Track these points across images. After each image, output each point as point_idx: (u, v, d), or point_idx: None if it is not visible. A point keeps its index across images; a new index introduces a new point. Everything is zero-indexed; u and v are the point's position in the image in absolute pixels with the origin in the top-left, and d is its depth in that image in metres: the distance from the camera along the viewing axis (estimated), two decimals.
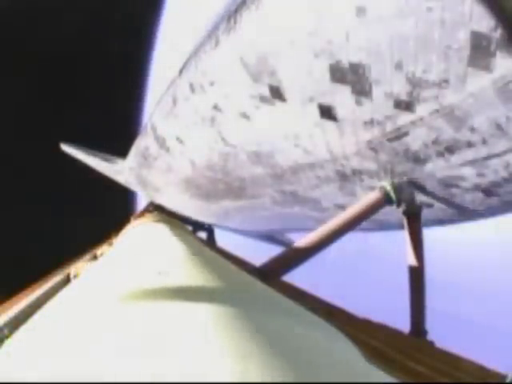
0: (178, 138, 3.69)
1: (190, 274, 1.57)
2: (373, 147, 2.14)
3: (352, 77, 1.87)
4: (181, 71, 3.40)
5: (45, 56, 8.03)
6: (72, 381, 0.69)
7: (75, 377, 0.71)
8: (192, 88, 3.01)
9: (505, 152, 1.81)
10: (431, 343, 2.29)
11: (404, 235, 2.38)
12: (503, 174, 1.93)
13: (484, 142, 1.79)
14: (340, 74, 1.89)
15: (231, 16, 2.43)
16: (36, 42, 7.63)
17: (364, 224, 2.21)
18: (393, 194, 2.15)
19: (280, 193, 3.39)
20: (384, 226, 3.31)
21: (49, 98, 8.54)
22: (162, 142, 4.03)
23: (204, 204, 5.02)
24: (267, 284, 1.67)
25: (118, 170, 6.04)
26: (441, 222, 2.84)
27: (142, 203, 6.38)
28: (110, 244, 3.15)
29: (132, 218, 5.93)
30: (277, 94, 2.24)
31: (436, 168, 2.07)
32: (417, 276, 2.34)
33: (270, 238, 6.68)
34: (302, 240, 2.01)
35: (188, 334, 0.85)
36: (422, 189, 2.20)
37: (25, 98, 8.32)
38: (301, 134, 2.42)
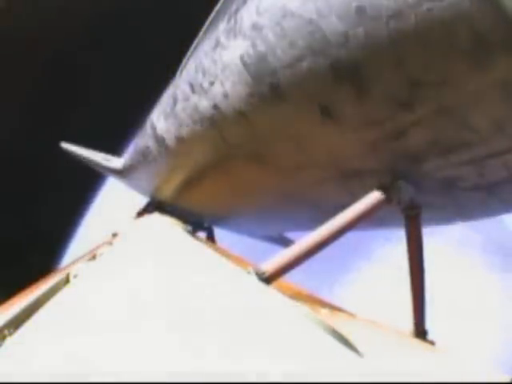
0: (177, 138, 3.69)
1: (190, 274, 1.57)
2: (373, 147, 2.14)
3: (352, 76, 1.87)
4: (181, 71, 3.40)
5: (47, 56, 8.03)
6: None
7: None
8: (192, 88, 3.01)
9: (505, 152, 1.81)
10: (431, 343, 2.29)
11: (404, 235, 2.38)
12: (503, 173, 1.93)
13: (484, 141, 1.79)
14: (340, 73, 1.89)
15: (231, 16, 2.43)
16: (38, 42, 7.63)
17: (364, 223, 2.21)
18: (393, 194, 2.15)
19: (280, 193, 3.39)
20: (383, 226, 3.31)
21: (49, 98, 8.54)
22: (161, 142, 4.03)
23: (204, 203, 5.02)
24: (267, 284, 1.67)
25: (118, 170, 6.04)
26: (441, 221, 2.84)
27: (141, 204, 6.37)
28: (110, 244, 3.15)
29: (132, 218, 5.93)
30: (277, 93, 2.24)
31: (436, 168, 2.07)
32: (417, 276, 2.34)
33: (270, 238, 6.67)
34: (302, 240, 2.00)
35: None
36: (422, 189, 2.20)
37: (25, 98, 8.31)
38: (301, 134, 2.42)
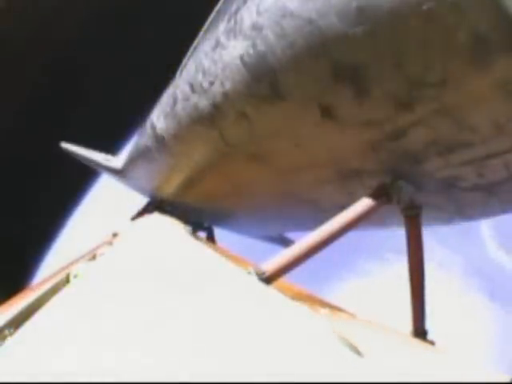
0: (177, 137, 3.69)
1: (191, 274, 1.57)
2: (373, 147, 2.14)
3: (352, 76, 1.87)
4: (181, 71, 3.40)
5: (47, 56, 8.02)
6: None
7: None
8: (192, 88, 3.01)
9: (504, 152, 1.81)
10: (431, 343, 2.29)
11: (404, 235, 2.38)
12: (503, 173, 1.93)
13: (484, 141, 1.79)
14: (340, 73, 1.89)
15: (231, 16, 2.43)
16: (37, 43, 7.63)
17: (364, 223, 2.21)
18: (393, 194, 2.15)
19: (280, 193, 3.39)
20: (383, 226, 3.31)
21: (49, 98, 8.54)
22: (161, 141, 4.03)
23: (204, 203, 5.02)
24: (267, 284, 1.67)
25: (118, 170, 6.04)
26: (440, 221, 2.84)
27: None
28: (110, 244, 3.15)
29: (131, 219, 5.93)
30: (277, 93, 2.24)
31: (436, 168, 2.07)
32: (417, 276, 2.34)
33: (270, 237, 6.67)
34: (302, 240, 2.00)
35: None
36: (422, 189, 2.20)
37: (25, 98, 8.31)
38: (301, 134, 2.42)
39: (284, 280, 2.09)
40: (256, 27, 2.15)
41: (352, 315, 2.08)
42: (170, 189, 5.03)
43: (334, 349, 0.87)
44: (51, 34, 7.80)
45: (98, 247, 3.25)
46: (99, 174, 8.73)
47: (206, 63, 2.77)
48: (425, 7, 1.49)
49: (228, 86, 2.53)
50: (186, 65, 3.31)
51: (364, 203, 2.09)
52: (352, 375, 0.77)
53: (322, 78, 1.97)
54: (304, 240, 1.99)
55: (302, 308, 1.20)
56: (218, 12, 2.77)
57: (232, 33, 2.39)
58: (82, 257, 3.06)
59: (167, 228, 3.57)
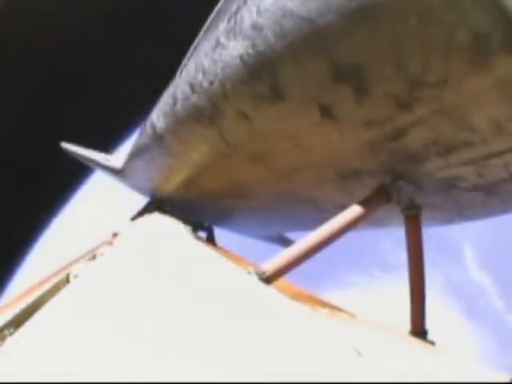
0: (177, 137, 3.69)
1: (191, 274, 1.57)
2: (373, 147, 2.14)
3: (352, 76, 1.87)
4: (181, 71, 3.40)
5: (46, 56, 8.02)
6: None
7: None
8: (192, 88, 3.01)
9: (504, 152, 1.81)
10: (431, 343, 2.29)
11: (404, 235, 2.38)
12: (503, 173, 1.93)
13: (484, 141, 1.79)
14: (340, 73, 1.89)
15: (231, 16, 2.43)
16: (37, 43, 7.63)
17: (363, 224, 2.21)
18: (392, 194, 2.15)
19: (279, 193, 3.39)
20: (383, 226, 3.31)
21: (49, 97, 8.54)
22: (161, 141, 4.03)
23: (204, 203, 5.01)
24: (267, 284, 1.67)
25: (117, 170, 6.04)
26: (440, 221, 2.84)
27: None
28: (110, 244, 3.15)
29: (131, 219, 5.93)
30: (277, 93, 2.24)
31: (435, 168, 2.07)
32: (416, 276, 2.34)
33: (270, 237, 6.67)
34: (302, 240, 2.01)
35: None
36: (422, 189, 2.20)
37: (25, 98, 8.31)
38: (301, 134, 2.42)
39: (284, 280, 2.09)
40: (256, 27, 2.15)
41: (352, 315, 2.08)
42: (169, 188, 5.03)
43: (334, 348, 0.87)
44: (51, 34, 7.80)
45: (97, 247, 3.25)
46: (99, 174, 8.74)
47: (206, 63, 2.77)
48: (425, 7, 1.49)
49: (228, 85, 2.53)
50: (186, 65, 3.31)
51: (364, 203, 2.09)
52: (352, 375, 0.77)
53: (322, 78, 1.96)
54: (304, 240, 1.99)
55: (302, 308, 1.20)
56: (218, 12, 2.77)
57: (232, 33, 2.39)
58: (82, 257, 3.07)
59: (167, 228, 3.57)
